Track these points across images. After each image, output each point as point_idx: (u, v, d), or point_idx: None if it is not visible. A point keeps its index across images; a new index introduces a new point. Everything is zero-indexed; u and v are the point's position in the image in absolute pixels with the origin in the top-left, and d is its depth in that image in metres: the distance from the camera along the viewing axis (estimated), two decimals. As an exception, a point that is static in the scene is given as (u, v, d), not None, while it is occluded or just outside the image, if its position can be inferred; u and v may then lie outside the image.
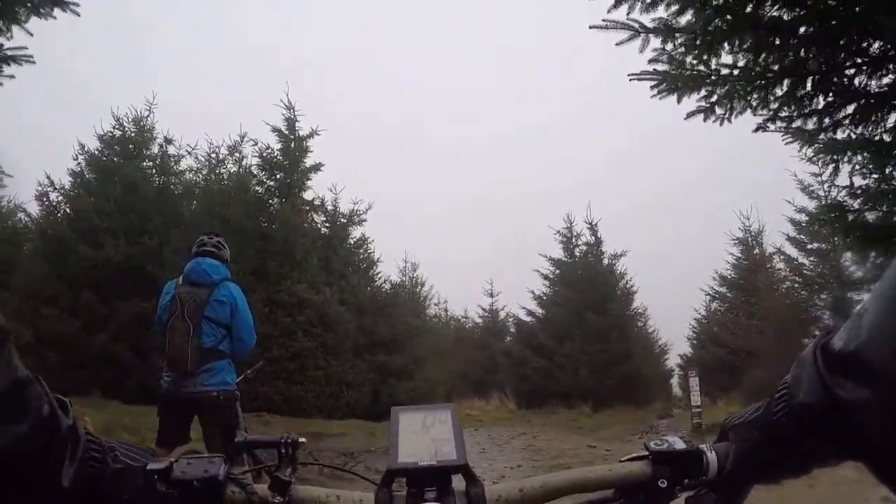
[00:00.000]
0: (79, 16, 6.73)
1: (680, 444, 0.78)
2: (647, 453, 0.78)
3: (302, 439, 0.78)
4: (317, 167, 16.69)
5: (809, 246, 19.09)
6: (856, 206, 6.35)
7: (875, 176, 6.16)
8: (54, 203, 15.98)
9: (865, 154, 5.92)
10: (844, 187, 6.42)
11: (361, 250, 18.18)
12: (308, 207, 16.81)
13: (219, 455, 0.74)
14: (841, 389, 0.62)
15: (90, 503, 0.67)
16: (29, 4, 6.49)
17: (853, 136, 5.85)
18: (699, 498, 0.77)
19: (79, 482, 0.64)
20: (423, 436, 0.75)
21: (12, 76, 6.74)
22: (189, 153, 16.93)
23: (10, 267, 14.87)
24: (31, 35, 6.59)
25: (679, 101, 5.95)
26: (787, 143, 6.30)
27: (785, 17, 5.19)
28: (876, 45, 5.18)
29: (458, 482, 0.73)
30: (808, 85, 5.54)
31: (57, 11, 6.65)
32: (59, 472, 0.62)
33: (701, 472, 0.77)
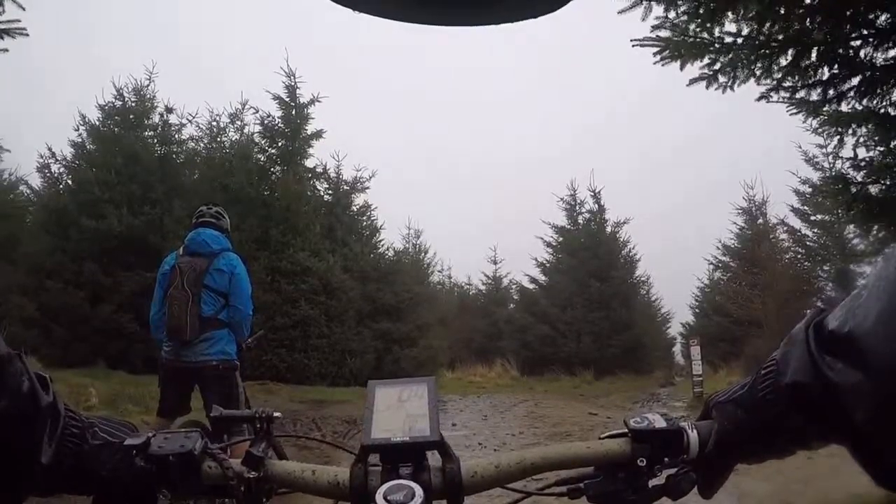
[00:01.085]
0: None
1: (660, 422, 0.77)
2: (626, 431, 0.78)
3: (277, 413, 0.79)
4: (318, 134, 16.65)
5: (813, 217, 19.03)
6: (859, 178, 6.31)
7: (880, 149, 6.11)
8: (56, 175, 16.01)
9: (870, 127, 5.87)
10: (848, 159, 6.37)
11: (364, 217, 18.18)
12: (310, 175, 16.78)
13: (195, 430, 0.75)
14: (831, 371, 0.61)
15: (70, 479, 0.69)
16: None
17: (858, 109, 5.79)
18: (680, 477, 0.76)
19: (58, 459, 0.66)
20: (398, 411, 0.76)
21: (6, 50, 6.66)
22: (190, 122, 16.85)
23: (14, 240, 14.88)
24: (24, 9, 6.48)
25: (682, 68, 5.88)
26: (791, 114, 6.25)
27: (790, -14, 5.10)
28: (883, 17, 5.09)
29: (435, 458, 0.73)
30: (813, 55, 5.45)
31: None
32: (38, 449, 0.63)
33: (682, 450, 0.76)
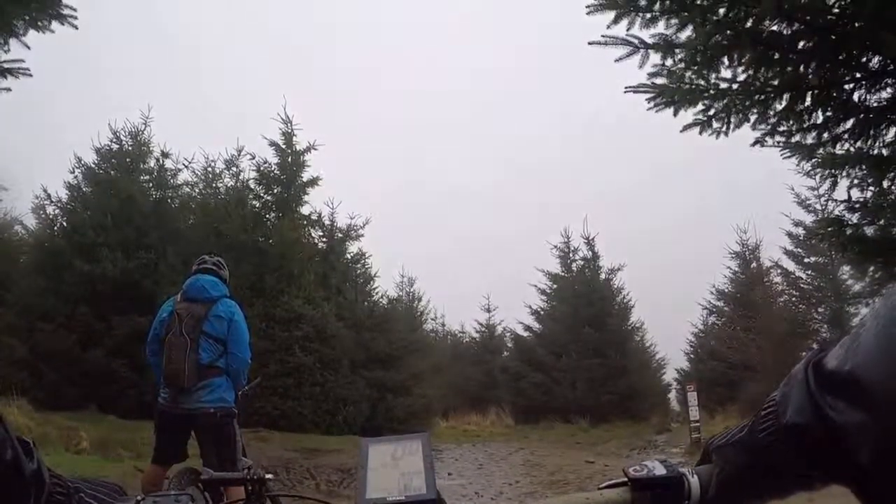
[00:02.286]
0: (77, 28, 6.72)
1: (660, 470, 0.76)
2: (626, 480, 0.77)
3: (269, 475, 0.77)
4: (314, 181, 16.72)
5: (807, 260, 19.16)
6: (854, 220, 6.37)
7: (873, 190, 6.18)
8: (51, 216, 15.92)
9: (864, 168, 5.95)
10: (842, 201, 6.44)
11: (359, 265, 18.12)
12: (305, 222, 16.81)
13: (186, 493, 0.73)
14: (832, 410, 0.60)
15: None
16: (26, 18, 6.48)
17: (852, 151, 5.87)
18: None
19: None
20: (392, 469, 0.75)
21: (9, 89, 6.74)
22: (186, 167, 16.88)
23: (6, 280, 14.77)
24: (29, 48, 6.59)
25: (675, 114, 5.95)
26: (785, 158, 6.33)
27: (785, 33, 5.21)
28: (875, 59, 5.20)
29: None
30: (808, 99, 5.56)
31: (55, 25, 6.65)
32: None
33: (683, 497, 0.75)
